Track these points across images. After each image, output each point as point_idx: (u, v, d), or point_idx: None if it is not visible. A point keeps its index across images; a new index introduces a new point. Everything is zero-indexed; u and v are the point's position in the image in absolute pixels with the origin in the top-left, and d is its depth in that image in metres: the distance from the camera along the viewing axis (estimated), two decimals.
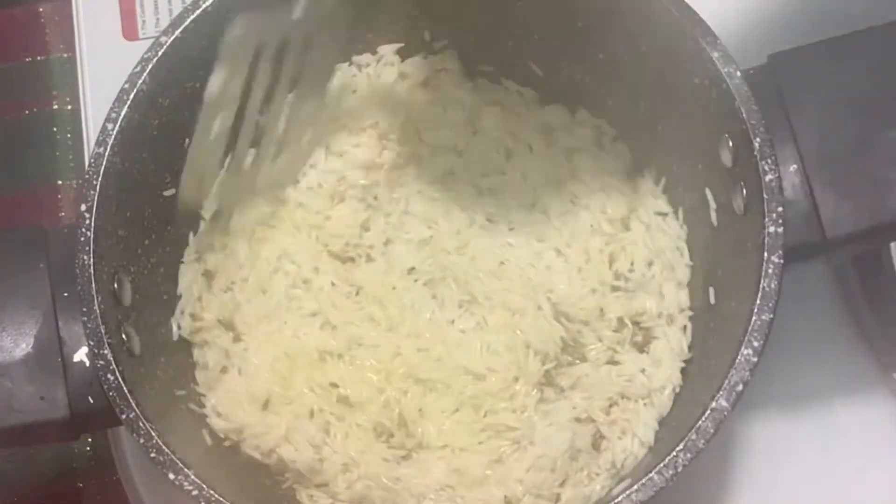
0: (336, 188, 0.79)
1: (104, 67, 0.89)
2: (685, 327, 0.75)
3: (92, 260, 0.68)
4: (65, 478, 0.87)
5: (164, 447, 0.65)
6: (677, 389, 0.73)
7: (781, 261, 0.66)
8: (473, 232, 0.78)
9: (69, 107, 0.98)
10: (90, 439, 0.87)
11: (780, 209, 0.67)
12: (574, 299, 0.76)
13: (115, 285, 0.70)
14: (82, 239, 0.68)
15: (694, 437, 0.63)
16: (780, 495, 0.78)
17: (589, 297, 0.76)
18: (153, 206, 0.74)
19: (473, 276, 0.77)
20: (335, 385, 0.74)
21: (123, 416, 0.65)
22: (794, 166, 0.69)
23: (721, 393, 0.64)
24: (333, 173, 0.80)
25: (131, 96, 0.71)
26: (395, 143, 0.81)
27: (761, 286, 0.65)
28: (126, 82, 0.72)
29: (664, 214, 0.78)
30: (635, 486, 0.63)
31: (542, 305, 0.75)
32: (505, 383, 0.74)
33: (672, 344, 0.74)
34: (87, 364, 0.68)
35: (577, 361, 0.75)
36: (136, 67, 0.72)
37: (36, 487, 0.87)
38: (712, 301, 0.73)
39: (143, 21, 0.92)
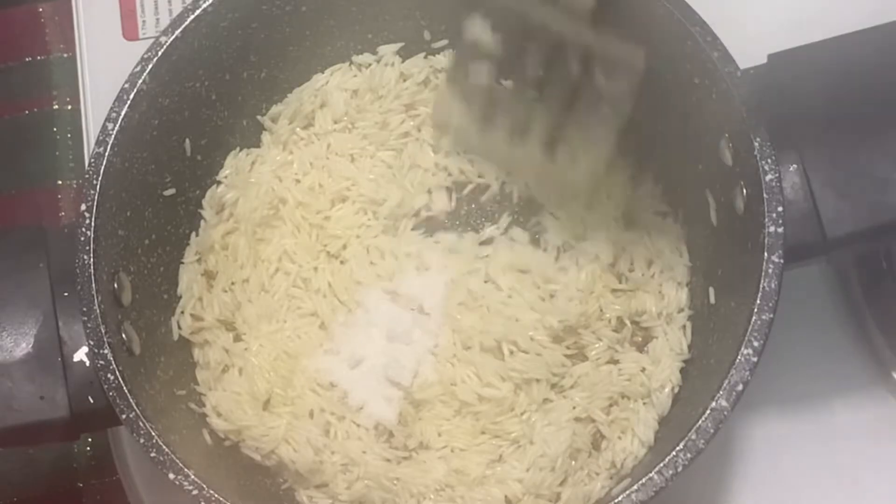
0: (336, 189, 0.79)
1: (104, 67, 0.89)
2: (685, 327, 0.75)
3: (92, 260, 0.68)
4: (65, 478, 0.87)
5: (164, 447, 0.65)
6: (677, 389, 0.73)
7: (781, 261, 0.66)
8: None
9: (69, 107, 0.97)
10: (90, 439, 0.87)
11: (780, 209, 0.67)
12: (572, 315, 0.75)
13: (115, 285, 0.70)
14: (82, 239, 0.68)
15: (694, 437, 0.63)
16: (780, 495, 0.78)
17: (588, 300, 0.76)
18: (153, 206, 0.74)
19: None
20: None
21: (123, 416, 0.65)
22: (794, 166, 0.69)
23: (721, 393, 0.64)
24: None
25: (131, 96, 0.72)
26: None
27: (761, 286, 0.65)
28: (126, 82, 0.72)
29: (664, 214, 0.78)
30: (635, 486, 0.63)
31: (537, 336, 0.74)
32: (505, 405, 0.73)
33: (671, 343, 0.74)
34: (87, 364, 0.68)
35: (578, 361, 0.75)
36: (136, 67, 0.72)
37: (36, 487, 0.87)
38: (712, 301, 0.73)
39: (143, 21, 0.92)
